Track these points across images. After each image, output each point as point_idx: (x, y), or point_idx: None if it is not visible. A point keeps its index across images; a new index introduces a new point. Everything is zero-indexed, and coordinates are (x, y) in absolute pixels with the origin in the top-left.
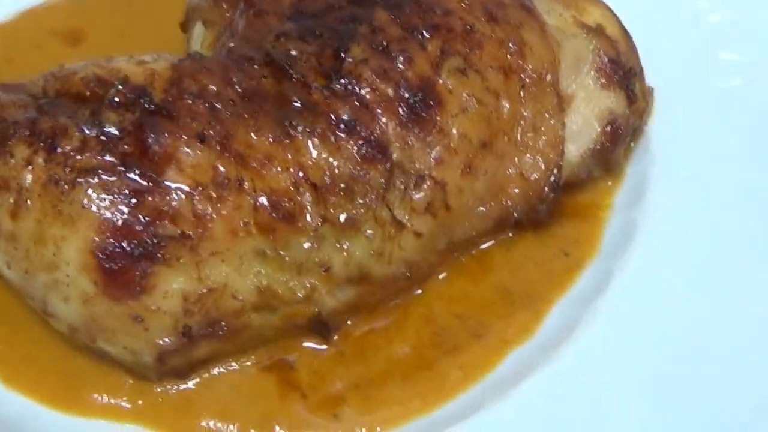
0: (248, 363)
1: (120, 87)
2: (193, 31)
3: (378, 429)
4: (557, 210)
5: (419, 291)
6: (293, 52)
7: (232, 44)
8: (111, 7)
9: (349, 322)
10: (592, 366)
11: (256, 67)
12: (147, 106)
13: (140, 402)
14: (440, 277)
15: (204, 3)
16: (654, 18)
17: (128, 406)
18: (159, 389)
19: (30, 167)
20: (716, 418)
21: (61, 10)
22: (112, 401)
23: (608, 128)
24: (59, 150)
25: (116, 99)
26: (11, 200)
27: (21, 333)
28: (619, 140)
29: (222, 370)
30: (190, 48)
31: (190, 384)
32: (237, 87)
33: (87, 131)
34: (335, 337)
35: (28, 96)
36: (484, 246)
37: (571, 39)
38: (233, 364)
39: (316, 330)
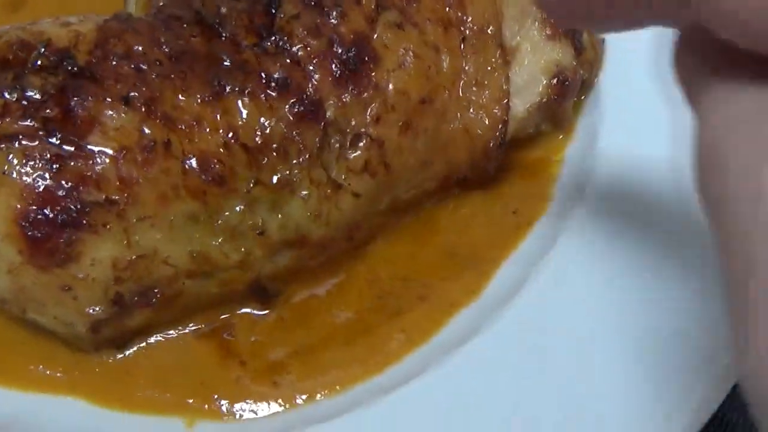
0: (186, 331)
1: (43, 50)
2: None
3: (319, 395)
4: (505, 167)
5: (362, 253)
6: (223, 10)
7: (161, 3)
8: None
9: (288, 287)
10: (537, 326)
11: (185, 26)
12: (70, 69)
13: (77, 373)
14: (384, 239)
15: None
16: None
17: (65, 377)
18: (96, 360)
19: None
20: (655, 374)
21: None
22: (48, 372)
23: (555, 81)
24: None
25: (39, 62)
26: None
27: None
28: (567, 93)
29: (160, 338)
30: (125, 8)
31: (128, 353)
32: (165, 47)
33: (7, 95)
34: (275, 302)
35: None
36: (429, 206)
37: None
38: (171, 332)
39: (255, 296)
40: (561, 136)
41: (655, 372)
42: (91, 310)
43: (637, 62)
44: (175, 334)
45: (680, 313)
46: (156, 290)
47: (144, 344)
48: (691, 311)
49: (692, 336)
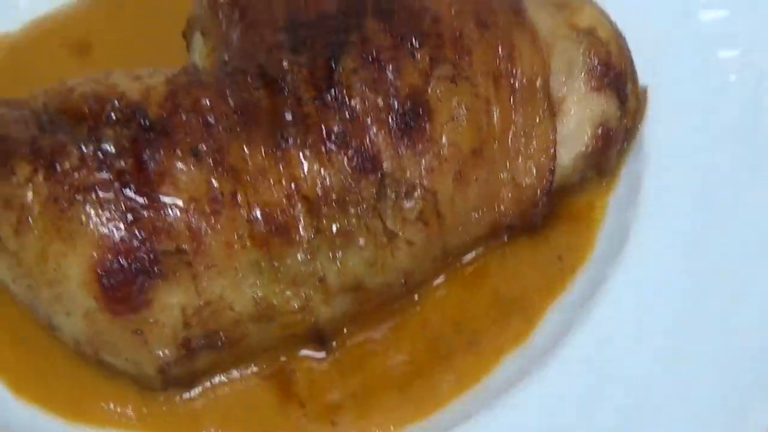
0: (249, 372)
1: (116, 104)
2: (192, 40)
3: None
4: (551, 213)
5: (415, 298)
6: (285, 65)
7: (226, 56)
8: (116, 16)
9: (345, 331)
10: (584, 372)
11: (249, 80)
12: (142, 122)
13: (145, 410)
14: (436, 283)
15: (202, 13)
16: (647, 16)
17: (134, 414)
18: (164, 398)
19: (31, 185)
20: (705, 420)
21: (67, 20)
22: (119, 410)
23: (600, 131)
24: (58, 168)
25: (113, 115)
26: (14, 218)
27: (29, 343)
28: (611, 143)
29: (224, 378)
30: (190, 57)
31: (194, 393)
32: (230, 101)
33: (84, 149)
34: (332, 346)
35: (30, 112)
36: (478, 252)
37: (562, 42)
38: (234, 373)
39: (313, 339)
40: (604, 183)
41: (703, 417)
42: (160, 353)
43: (678, 110)
44: (238, 375)
45: (726, 359)
46: (221, 334)
47: (209, 384)
48: (736, 358)
49: (736, 382)
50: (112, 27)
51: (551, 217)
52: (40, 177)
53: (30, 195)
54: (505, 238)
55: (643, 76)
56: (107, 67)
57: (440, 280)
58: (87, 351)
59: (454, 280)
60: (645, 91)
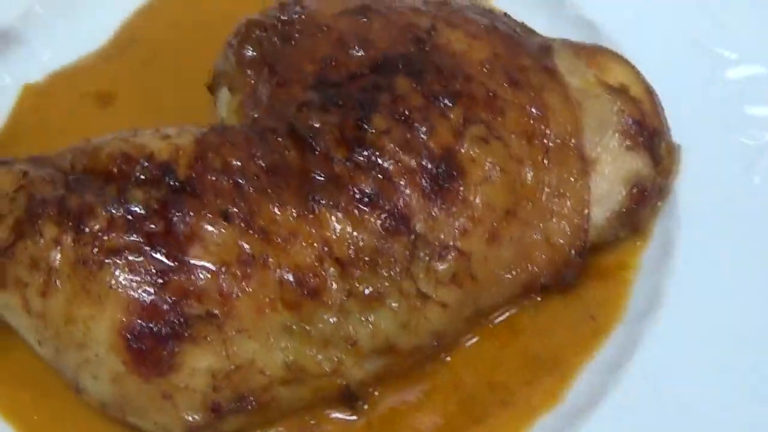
0: None
1: (145, 164)
2: (219, 95)
3: None
4: (583, 272)
5: (447, 358)
6: (315, 124)
7: (255, 114)
8: (141, 67)
9: (376, 393)
10: None
11: (279, 139)
12: (171, 183)
13: None
14: (468, 343)
15: (229, 68)
16: (678, 72)
17: None
18: None
19: (59, 247)
20: None
21: (92, 72)
22: None
23: (634, 190)
24: (86, 230)
25: (141, 176)
26: (41, 280)
27: (52, 400)
28: (645, 202)
29: None
30: (217, 112)
31: None
32: (260, 161)
33: (113, 210)
34: (364, 407)
35: (57, 171)
36: (511, 311)
37: (595, 100)
38: None
39: (344, 401)
40: (637, 242)
41: None
42: (189, 417)
43: (712, 168)
44: None
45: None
46: (251, 398)
47: None
48: None
49: None
50: (135, 78)
51: (583, 276)
52: (68, 239)
53: (57, 257)
54: (537, 296)
55: (675, 134)
56: (131, 118)
57: (472, 338)
58: (114, 413)
59: (486, 339)
60: (678, 148)
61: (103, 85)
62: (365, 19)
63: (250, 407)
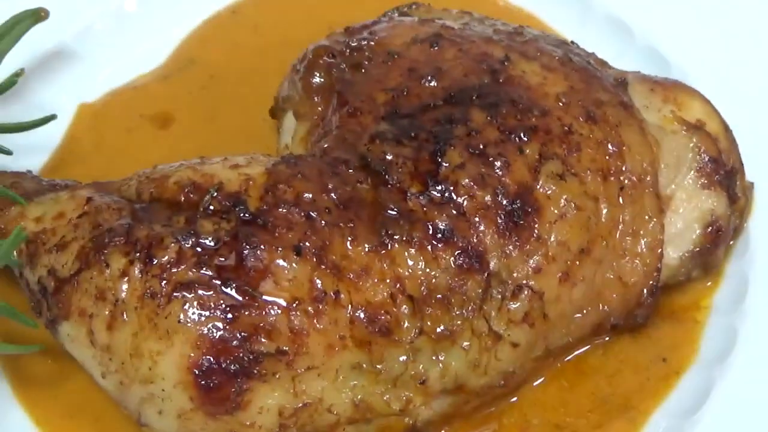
0: None
1: (215, 194)
2: (283, 121)
3: None
4: (654, 312)
5: (514, 398)
6: (389, 157)
7: (326, 144)
8: (199, 89)
9: None
10: None
11: (351, 171)
12: (242, 215)
13: None
14: (535, 383)
15: (296, 95)
16: (752, 108)
17: None
18: None
19: (126, 278)
20: None
21: (150, 92)
22: None
23: (709, 230)
24: (155, 262)
25: (211, 207)
26: (107, 311)
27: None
28: (720, 242)
29: None
30: (280, 139)
31: None
32: (332, 194)
33: (183, 242)
34: None
35: (124, 199)
36: (580, 350)
37: (671, 137)
38: None
39: None
40: (709, 283)
41: None
42: None
43: None
44: None
45: None
46: None
47: None
48: None
49: None
50: (193, 100)
51: (654, 316)
52: (136, 270)
53: (125, 288)
54: (607, 337)
55: (749, 171)
56: (189, 141)
57: (540, 379)
58: None
59: (555, 380)
60: (752, 186)
61: (161, 106)
62: (437, 48)
63: None
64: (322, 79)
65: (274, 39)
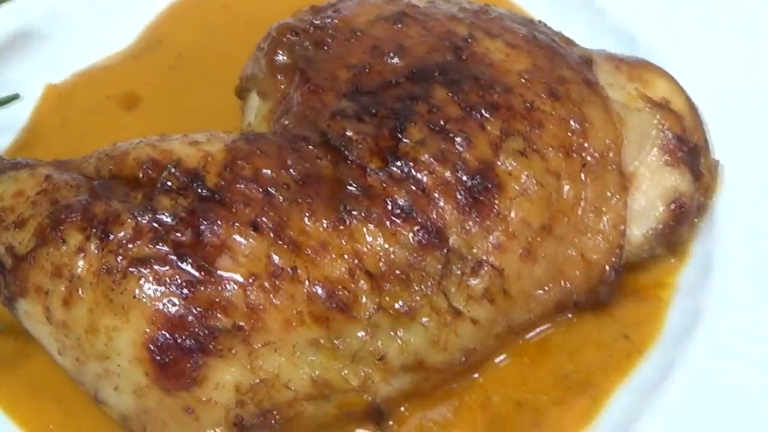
0: None
1: (173, 170)
2: (248, 100)
3: None
4: (618, 290)
5: (476, 375)
6: (349, 133)
7: (287, 121)
8: (167, 70)
9: (403, 409)
10: None
11: (311, 147)
12: (200, 191)
13: None
14: (497, 360)
15: (259, 73)
16: (720, 88)
17: None
18: None
19: (83, 254)
20: None
21: (116, 73)
22: None
23: (673, 207)
24: (112, 237)
25: (169, 183)
26: (63, 288)
27: (72, 413)
28: (684, 219)
29: None
30: (245, 117)
31: None
32: (292, 170)
33: (140, 218)
34: (390, 424)
35: (82, 176)
36: (542, 327)
37: (635, 114)
38: None
39: (370, 417)
40: (673, 261)
41: None
42: None
43: (752, 186)
44: None
45: None
46: (275, 413)
47: None
48: None
49: None
50: (161, 81)
51: (618, 294)
52: (93, 246)
53: (81, 264)
54: (569, 314)
55: (716, 150)
56: (156, 121)
57: (502, 356)
58: (134, 427)
59: (516, 357)
60: (717, 165)
61: (128, 86)
62: (401, 26)
63: (274, 422)
64: (286, 57)
65: (242, 18)
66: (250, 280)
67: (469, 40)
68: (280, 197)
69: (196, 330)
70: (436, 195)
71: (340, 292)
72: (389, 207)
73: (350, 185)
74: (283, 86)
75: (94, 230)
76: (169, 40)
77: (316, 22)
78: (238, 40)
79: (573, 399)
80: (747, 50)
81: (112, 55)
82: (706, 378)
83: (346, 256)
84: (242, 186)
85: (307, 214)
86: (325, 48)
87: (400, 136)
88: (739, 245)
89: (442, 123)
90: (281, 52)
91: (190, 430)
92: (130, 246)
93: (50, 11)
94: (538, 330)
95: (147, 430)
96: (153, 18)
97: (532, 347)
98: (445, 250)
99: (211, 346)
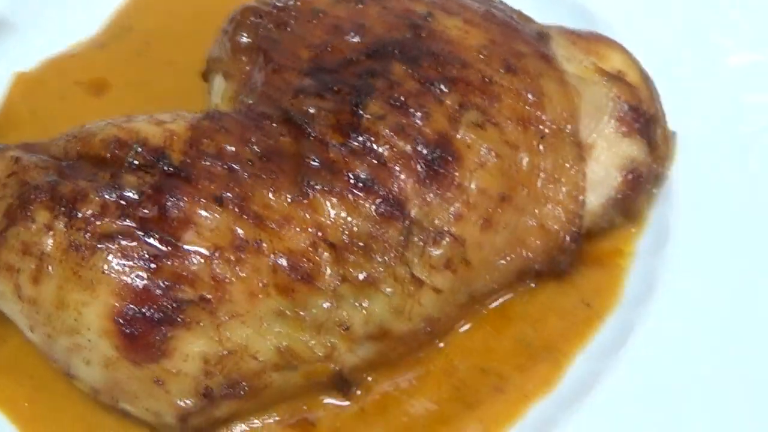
0: (270, 421)
1: (138, 149)
2: (213, 82)
3: None
4: (578, 258)
5: (441, 344)
6: (310, 110)
7: (250, 101)
8: (135, 56)
9: (370, 378)
10: (616, 421)
11: (274, 125)
12: (165, 168)
13: None
14: (461, 329)
15: (224, 55)
16: (676, 60)
17: None
18: None
19: (51, 232)
20: None
21: (85, 60)
22: None
23: (629, 177)
24: (79, 215)
25: (135, 161)
26: (33, 265)
27: (45, 389)
28: (640, 188)
29: (245, 427)
30: (211, 100)
31: None
32: (255, 147)
33: (106, 195)
34: (357, 393)
35: (50, 157)
36: (505, 297)
37: (591, 87)
38: (256, 421)
39: (337, 387)
40: (633, 229)
41: None
42: (181, 403)
43: (707, 155)
44: (260, 424)
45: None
46: (244, 383)
47: None
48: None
49: None
50: (129, 67)
51: (578, 263)
52: (61, 224)
53: (50, 242)
54: (531, 283)
55: (671, 121)
56: (124, 107)
57: (465, 325)
58: (105, 400)
59: (480, 326)
60: (674, 135)
61: (97, 73)
62: (361, 5)
63: (242, 393)
64: (249, 39)
65: (209, 4)
66: (216, 253)
67: (428, 18)
68: (244, 173)
69: (163, 302)
70: (397, 168)
71: (304, 264)
72: (351, 180)
73: (312, 160)
74: (247, 67)
75: (62, 209)
76: (137, 26)
77: (278, 4)
78: (204, 25)
79: (535, 365)
80: (699, 22)
81: (81, 42)
82: (663, 341)
83: (309, 229)
84: (206, 162)
85: (270, 189)
86: (288, 29)
87: (360, 111)
88: (694, 212)
89: (401, 98)
90: (244, 34)
91: (160, 402)
92: (96, 222)
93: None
94: (500, 299)
95: (118, 402)
96: (121, 5)
97: (495, 316)
98: (406, 221)
99: (178, 318)
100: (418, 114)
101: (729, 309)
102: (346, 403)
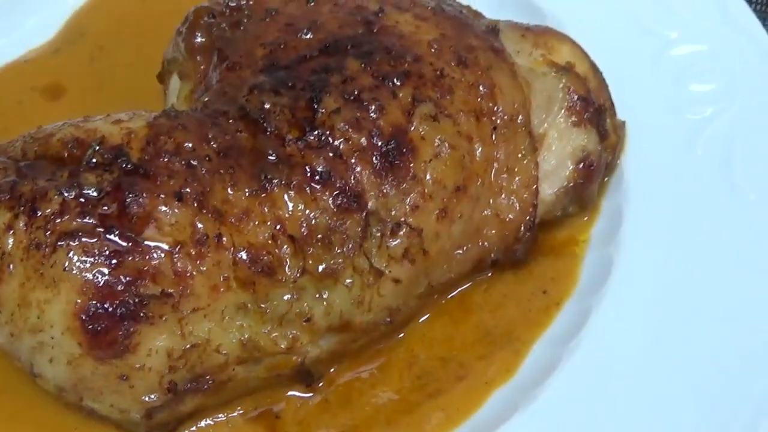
0: (235, 414)
1: (97, 148)
2: (169, 83)
3: None
4: (534, 248)
5: (401, 335)
6: (267, 106)
7: (206, 98)
8: (90, 61)
9: (332, 370)
10: (575, 404)
11: (231, 121)
12: (124, 165)
13: None
14: (422, 319)
15: (179, 55)
16: (623, 51)
17: None
18: None
19: (11, 232)
20: None
21: (41, 64)
22: None
23: (581, 166)
24: (39, 214)
25: (94, 160)
26: None
27: (8, 391)
28: (592, 177)
29: (209, 422)
30: (167, 100)
31: None
32: (213, 143)
33: (66, 194)
34: (320, 385)
35: (8, 159)
36: (463, 287)
37: (541, 78)
38: (220, 415)
39: (300, 379)
40: (586, 218)
41: None
42: (146, 398)
43: (657, 143)
44: (224, 418)
45: (712, 386)
46: (208, 377)
47: (194, 428)
48: (722, 383)
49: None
50: (85, 71)
51: (535, 252)
52: (21, 224)
53: (11, 242)
54: (489, 273)
55: (620, 111)
56: (81, 110)
57: (426, 316)
58: (70, 398)
59: (440, 316)
60: (623, 125)
61: (52, 78)
62: (313, 3)
63: (206, 387)
64: (203, 39)
65: (162, 7)
66: (177, 248)
67: (380, 15)
68: (203, 169)
69: (126, 298)
70: (353, 161)
71: (264, 257)
72: (308, 174)
73: (270, 155)
74: (202, 66)
75: (22, 208)
76: (91, 31)
77: (231, 4)
78: (159, 28)
79: (495, 353)
80: (644, 15)
81: (35, 48)
82: (618, 325)
83: (268, 222)
84: (165, 159)
85: (229, 184)
86: (242, 28)
87: (316, 106)
88: (644, 199)
89: (355, 92)
90: (199, 34)
91: (125, 398)
92: (57, 221)
93: None
94: (459, 289)
95: (83, 399)
96: (75, 10)
97: (455, 306)
98: (364, 213)
99: (141, 314)
100: (373, 107)
101: (682, 291)
102: (310, 394)
